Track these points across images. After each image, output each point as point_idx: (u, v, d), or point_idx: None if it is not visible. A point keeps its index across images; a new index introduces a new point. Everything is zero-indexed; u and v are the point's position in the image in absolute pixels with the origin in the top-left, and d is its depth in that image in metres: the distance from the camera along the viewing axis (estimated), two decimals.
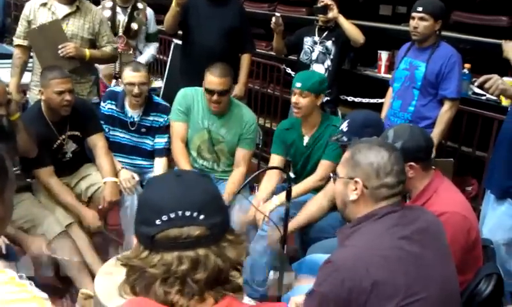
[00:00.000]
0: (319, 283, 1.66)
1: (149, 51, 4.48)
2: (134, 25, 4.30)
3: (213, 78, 3.18)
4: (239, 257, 1.15)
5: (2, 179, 1.33)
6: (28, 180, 3.18)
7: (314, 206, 2.93)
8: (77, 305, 2.82)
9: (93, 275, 2.91)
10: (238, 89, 4.00)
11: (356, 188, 1.74)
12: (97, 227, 3.15)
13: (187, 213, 1.10)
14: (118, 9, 4.25)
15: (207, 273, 1.10)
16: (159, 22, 4.61)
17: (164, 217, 1.10)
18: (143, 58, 4.38)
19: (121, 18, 4.24)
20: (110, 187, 3.18)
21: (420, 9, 3.32)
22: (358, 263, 1.59)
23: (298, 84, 3.05)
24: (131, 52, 4.31)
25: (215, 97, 3.21)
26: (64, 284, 3.01)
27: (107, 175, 3.21)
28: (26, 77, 3.89)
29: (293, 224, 2.84)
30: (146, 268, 1.10)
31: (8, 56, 4.73)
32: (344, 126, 2.62)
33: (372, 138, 1.92)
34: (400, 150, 2.02)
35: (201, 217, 1.11)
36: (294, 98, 3.07)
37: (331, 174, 1.94)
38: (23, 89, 3.97)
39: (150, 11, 4.49)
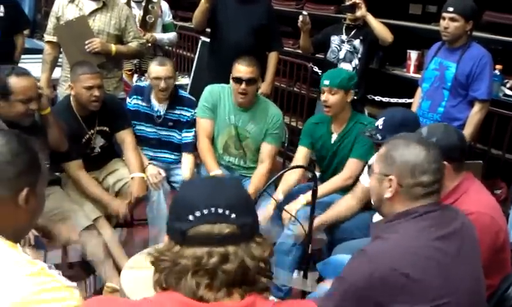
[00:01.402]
0: (349, 270, 1.65)
1: (168, 34, 4.64)
2: (150, 18, 4.40)
3: (240, 67, 3.21)
4: (266, 257, 1.17)
5: (35, 173, 1.36)
6: (57, 173, 3.22)
7: (343, 205, 2.90)
8: None
9: (118, 270, 2.95)
10: (264, 88, 3.99)
11: (390, 186, 1.71)
12: (124, 215, 3.17)
13: (220, 211, 1.14)
14: (133, 4, 4.37)
15: (235, 268, 1.12)
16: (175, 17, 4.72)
17: (197, 213, 1.13)
18: (159, 35, 4.50)
19: (137, 13, 4.36)
20: (137, 183, 3.20)
21: (451, 9, 3.26)
22: (392, 258, 1.57)
23: (326, 82, 3.03)
24: (149, 44, 4.37)
25: (242, 86, 3.21)
26: (90, 276, 3.05)
27: (134, 170, 3.24)
28: (56, 73, 3.95)
29: (320, 219, 2.81)
30: (177, 261, 1.13)
31: (39, 51, 4.82)
32: (380, 123, 2.56)
33: (409, 134, 1.87)
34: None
35: (233, 215, 1.14)
36: (323, 97, 3.05)
37: (367, 168, 1.91)
38: (52, 84, 4.04)
39: (164, 3, 4.63)
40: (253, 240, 1.17)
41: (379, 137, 2.52)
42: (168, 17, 4.69)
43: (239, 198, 1.19)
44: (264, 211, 2.95)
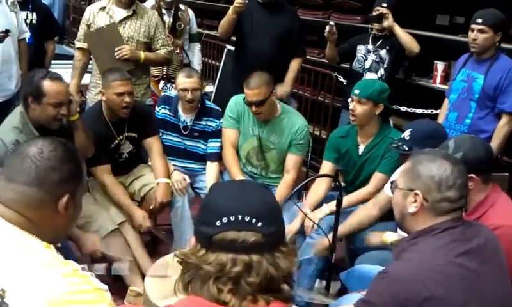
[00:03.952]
0: (373, 294, 1.64)
1: (197, 54, 4.76)
2: (180, 25, 4.47)
3: (247, 91, 3.20)
4: (290, 268, 1.18)
5: (77, 182, 1.41)
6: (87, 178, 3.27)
7: (363, 213, 2.88)
8: (126, 302, 2.89)
9: (142, 274, 2.97)
10: (280, 91, 3.89)
11: (415, 201, 1.69)
12: (146, 228, 3.21)
13: (246, 219, 1.15)
14: (164, 11, 4.42)
15: (260, 278, 1.13)
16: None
17: (224, 219, 1.15)
18: (196, 62, 4.64)
19: (167, 19, 4.42)
20: (162, 188, 3.24)
21: (479, 21, 3.23)
22: (415, 277, 1.56)
23: (356, 91, 3.01)
24: (178, 51, 4.44)
25: (253, 108, 3.22)
26: (114, 280, 3.08)
27: (160, 176, 3.27)
28: (85, 78, 4.02)
29: (341, 229, 2.80)
30: (201, 265, 1.15)
31: (67, 57, 4.93)
32: (406, 135, 2.55)
33: (435, 149, 1.86)
34: (461, 161, 1.98)
35: (259, 224, 1.15)
36: (351, 105, 3.04)
37: (390, 184, 1.90)
38: (81, 89, 4.11)
39: (190, 12, 4.72)
40: (278, 250, 1.17)
41: (406, 148, 2.51)
42: (194, 27, 4.75)
43: (266, 207, 1.19)
44: (290, 224, 2.95)
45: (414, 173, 1.72)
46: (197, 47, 4.77)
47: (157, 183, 3.27)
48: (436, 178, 1.67)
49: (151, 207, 3.24)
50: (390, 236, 2.69)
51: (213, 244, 1.15)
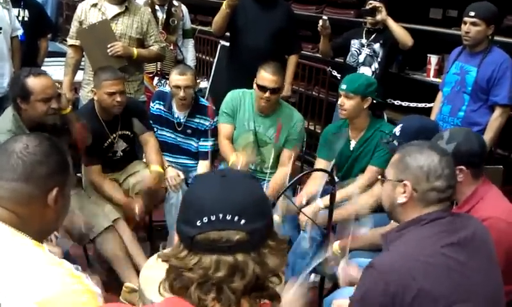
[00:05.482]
0: (362, 288, 1.64)
1: (191, 50, 4.71)
2: (173, 21, 4.45)
3: (266, 75, 3.21)
4: (278, 267, 1.13)
5: (64, 174, 1.41)
6: (78, 174, 3.27)
7: (360, 202, 2.89)
8: (121, 298, 2.90)
9: (137, 270, 2.98)
10: (284, 89, 3.98)
11: (404, 191, 1.71)
12: (140, 212, 3.20)
13: (228, 217, 1.09)
14: (157, 7, 4.40)
15: (244, 282, 1.08)
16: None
17: (205, 219, 1.09)
18: (190, 58, 4.61)
19: (160, 15, 4.39)
20: (153, 174, 3.24)
21: (472, 14, 3.24)
22: (403, 269, 1.56)
23: (344, 86, 3.03)
24: (171, 47, 4.43)
25: (266, 94, 3.23)
26: (109, 277, 3.09)
27: (153, 164, 3.29)
28: (78, 75, 4.01)
29: (337, 215, 2.79)
30: (183, 270, 1.10)
31: (60, 54, 4.90)
32: (397, 130, 2.57)
33: (422, 141, 1.88)
34: (453, 152, 1.99)
35: (242, 221, 1.09)
36: (340, 100, 3.05)
37: (379, 177, 1.91)
38: (74, 87, 4.10)
39: (184, 8, 4.69)
40: (266, 245, 1.12)
41: (396, 144, 2.52)
42: (188, 23, 4.73)
43: (250, 201, 1.12)
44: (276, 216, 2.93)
45: (403, 164, 1.74)
46: (191, 43, 4.75)
47: (150, 171, 3.28)
48: (424, 168, 1.69)
49: (141, 201, 3.22)
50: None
51: (195, 244, 1.09)
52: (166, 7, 4.46)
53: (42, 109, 2.65)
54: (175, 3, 4.54)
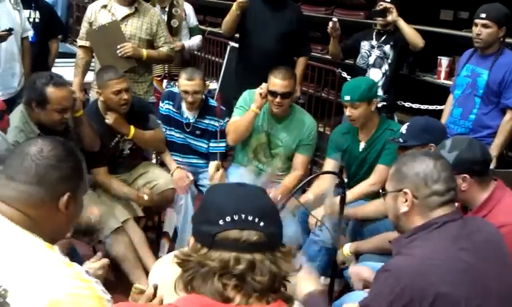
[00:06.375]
0: (377, 292, 1.63)
1: (194, 39, 4.70)
2: (175, 22, 4.45)
3: (276, 81, 3.21)
4: (289, 269, 1.19)
5: (77, 180, 1.41)
6: (89, 175, 3.28)
7: (372, 206, 2.88)
8: (130, 299, 2.89)
9: (146, 271, 2.98)
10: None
11: (406, 200, 1.72)
12: (149, 199, 3.24)
13: (250, 218, 1.16)
14: (157, 10, 4.36)
15: (266, 277, 1.14)
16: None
17: (228, 218, 1.15)
18: (187, 42, 4.59)
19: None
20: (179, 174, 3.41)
21: (483, 15, 3.22)
22: (420, 273, 1.55)
23: (347, 97, 3.00)
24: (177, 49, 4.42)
25: (278, 99, 3.23)
26: (118, 278, 3.09)
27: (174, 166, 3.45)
28: (88, 76, 4.02)
29: (348, 211, 2.77)
30: (204, 262, 1.14)
31: (71, 55, 4.92)
32: (403, 129, 2.60)
33: (415, 150, 1.89)
34: (456, 161, 1.99)
35: (262, 223, 1.16)
36: (347, 111, 3.04)
37: (381, 192, 1.91)
38: (84, 88, 4.11)
39: (187, 6, 4.68)
40: (278, 250, 1.18)
41: (401, 141, 2.53)
42: (193, 20, 4.72)
43: (267, 207, 1.21)
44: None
45: (400, 174, 1.76)
46: (198, 37, 4.74)
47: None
48: (421, 174, 1.70)
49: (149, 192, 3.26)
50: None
51: (215, 242, 1.15)
52: (166, 10, 4.46)
53: (56, 118, 2.69)
54: (177, 3, 4.53)
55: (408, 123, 2.62)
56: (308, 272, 1.84)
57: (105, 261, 1.92)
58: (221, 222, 1.15)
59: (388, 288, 1.58)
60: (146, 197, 3.21)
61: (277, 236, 1.19)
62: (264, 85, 3.27)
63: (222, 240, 1.14)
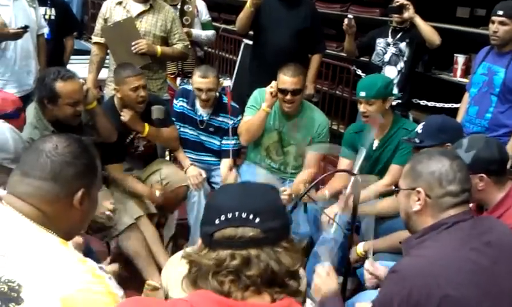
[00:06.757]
0: (385, 293, 1.62)
1: (206, 31, 4.62)
2: (187, 20, 4.43)
3: (286, 78, 3.20)
4: (293, 265, 1.19)
5: (92, 176, 1.42)
6: (103, 172, 3.29)
7: (386, 202, 2.86)
8: (143, 296, 2.91)
9: (159, 268, 2.99)
10: (307, 88, 3.96)
11: (418, 199, 1.69)
12: (160, 201, 3.26)
13: (243, 215, 1.17)
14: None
15: (259, 271, 1.15)
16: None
17: (222, 217, 1.17)
18: (195, 31, 4.51)
19: None
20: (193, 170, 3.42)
21: (500, 12, 3.18)
22: (427, 274, 1.53)
23: (362, 93, 2.97)
24: (190, 46, 4.42)
25: (288, 96, 3.22)
26: (131, 274, 3.10)
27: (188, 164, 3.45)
28: (102, 73, 4.04)
29: (363, 208, 2.74)
30: (201, 262, 1.17)
31: (86, 52, 4.94)
32: (419, 129, 2.55)
33: (432, 149, 1.86)
34: (473, 160, 1.96)
35: (257, 220, 1.17)
36: (361, 108, 3.01)
37: (394, 188, 1.89)
38: (99, 84, 4.13)
39: (200, 2, 4.64)
40: (280, 245, 1.18)
41: (417, 141, 2.50)
42: (205, 16, 4.70)
43: (266, 203, 1.21)
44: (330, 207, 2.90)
45: (414, 172, 1.73)
46: (211, 32, 4.72)
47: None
48: (436, 174, 1.68)
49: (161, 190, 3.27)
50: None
51: (213, 242, 1.17)
52: (178, 7, 4.46)
53: (69, 112, 2.71)
54: (188, 0, 4.52)
55: (423, 123, 2.58)
56: (327, 270, 1.89)
57: (116, 267, 1.94)
58: (216, 221, 1.18)
59: (395, 289, 1.56)
60: (158, 193, 3.22)
61: (277, 231, 1.19)
62: (273, 83, 3.26)
63: (218, 239, 1.17)
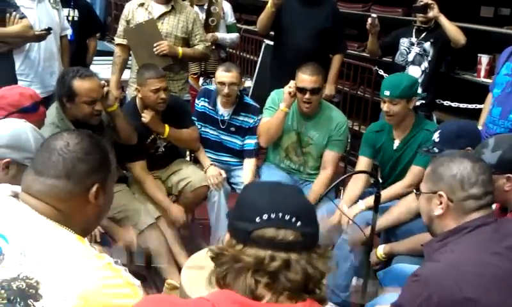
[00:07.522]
0: (406, 297, 1.60)
1: (230, 34, 4.66)
2: (213, 21, 4.45)
3: (305, 77, 3.19)
4: (325, 270, 1.19)
5: (105, 171, 1.42)
6: (124, 172, 3.33)
7: (403, 207, 2.83)
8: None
9: (179, 267, 3.00)
10: (328, 89, 3.95)
11: (440, 203, 1.67)
12: (182, 222, 3.25)
13: (286, 217, 1.15)
14: (196, 8, 4.41)
15: (299, 276, 1.14)
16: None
17: (265, 216, 1.15)
18: (221, 34, 4.54)
19: (200, 16, 4.38)
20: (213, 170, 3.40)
21: None
22: (449, 279, 1.51)
23: (387, 92, 2.94)
24: (213, 47, 4.44)
25: (307, 95, 3.21)
26: (150, 274, 3.13)
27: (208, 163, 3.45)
28: (125, 74, 4.07)
29: (380, 222, 2.73)
30: (239, 257, 1.15)
31: (109, 53, 4.99)
32: (436, 137, 2.51)
33: (453, 150, 1.83)
34: (499, 160, 1.92)
35: (298, 223, 1.16)
36: (384, 107, 2.98)
37: (414, 191, 1.87)
38: (122, 85, 4.17)
39: (226, 4, 4.68)
40: (314, 251, 1.18)
41: (436, 150, 2.45)
42: (231, 18, 4.73)
43: (303, 207, 1.21)
44: (325, 219, 2.90)
45: (436, 175, 1.71)
46: (235, 35, 4.75)
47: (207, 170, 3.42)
48: (457, 177, 1.65)
49: (183, 209, 3.27)
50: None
51: (251, 239, 1.15)
52: (205, 7, 4.48)
53: (87, 110, 2.72)
54: (215, 1, 4.54)
55: (439, 131, 2.53)
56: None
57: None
58: (257, 219, 1.15)
59: (416, 292, 1.55)
60: (182, 220, 3.26)
61: (313, 236, 1.19)
62: (292, 83, 3.25)
63: (258, 238, 1.15)
